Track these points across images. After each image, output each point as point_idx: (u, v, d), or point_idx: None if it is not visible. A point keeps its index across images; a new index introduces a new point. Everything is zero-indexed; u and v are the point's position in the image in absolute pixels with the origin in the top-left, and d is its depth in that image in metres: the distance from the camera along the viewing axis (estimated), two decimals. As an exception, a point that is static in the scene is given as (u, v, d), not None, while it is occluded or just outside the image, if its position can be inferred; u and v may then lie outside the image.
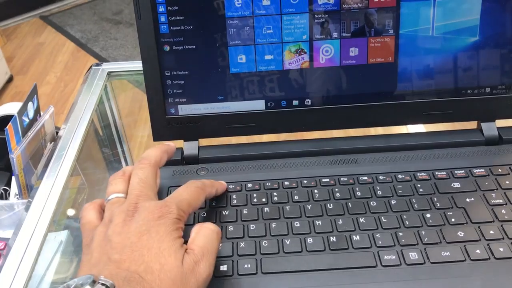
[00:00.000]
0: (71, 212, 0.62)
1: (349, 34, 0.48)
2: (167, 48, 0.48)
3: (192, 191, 0.41)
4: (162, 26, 0.48)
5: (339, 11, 0.47)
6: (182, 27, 0.48)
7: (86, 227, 0.39)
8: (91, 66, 0.70)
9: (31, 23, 2.70)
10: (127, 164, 0.79)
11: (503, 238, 0.41)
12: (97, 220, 0.39)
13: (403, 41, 0.48)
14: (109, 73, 0.69)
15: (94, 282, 0.31)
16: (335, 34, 0.48)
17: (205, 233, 0.38)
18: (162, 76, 0.49)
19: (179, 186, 0.48)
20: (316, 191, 0.47)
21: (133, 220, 0.36)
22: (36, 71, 2.28)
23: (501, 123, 0.52)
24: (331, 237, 0.42)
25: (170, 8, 0.47)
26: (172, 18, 0.47)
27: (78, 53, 2.44)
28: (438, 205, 0.44)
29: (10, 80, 2.16)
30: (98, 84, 0.66)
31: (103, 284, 0.31)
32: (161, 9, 0.47)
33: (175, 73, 0.49)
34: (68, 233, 0.59)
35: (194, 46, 0.48)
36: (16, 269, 0.44)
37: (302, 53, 0.49)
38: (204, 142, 0.53)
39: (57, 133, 0.67)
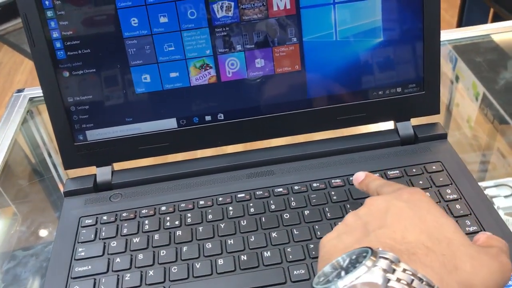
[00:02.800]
0: (1, 246, 0.60)
1: (253, 46, 0.47)
2: (66, 74, 0.47)
3: None
4: (58, 52, 0.46)
5: (239, 23, 0.46)
6: (80, 51, 0.46)
7: None
8: (13, 94, 0.68)
9: (-14, 44, 2.63)
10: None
11: (413, 241, 0.41)
12: None
13: (308, 48, 0.48)
14: (31, 99, 0.67)
15: None
16: (238, 47, 0.47)
17: None
18: (64, 102, 0.47)
19: (91, 216, 0.47)
20: (230, 208, 0.46)
21: None
22: (-7, 92, 2.23)
23: (417, 121, 0.52)
24: (242, 256, 0.41)
25: (65, 33, 0.45)
26: (68, 43, 0.46)
27: (36, 71, 2.39)
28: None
29: (-35, 104, 2.09)
30: (18, 112, 0.64)
31: None
32: (55, 34, 0.46)
33: (78, 98, 0.48)
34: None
35: (94, 70, 0.47)
36: None
37: (208, 68, 0.48)
38: (120, 165, 0.52)
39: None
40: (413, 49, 0.49)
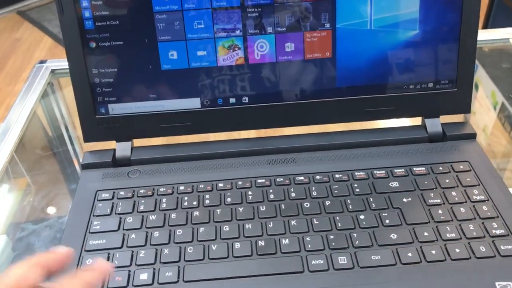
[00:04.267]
0: (14, 216, 0.60)
1: (284, 29, 0.46)
2: (93, 44, 0.46)
3: None
4: (86, 22, 0.45)
5: (272, 4, 0.45)
6: (108, 23, 0.45)
7: None
8: (35, 64, 0.68)
9: (8, 18, 2.65)
10: (79, 163, 0.77)
11: (436, 240, 0.40)
12: None
13: (341, 36, 0.46)
14: (53, 71, 0.66)
15: None
16: (269, 29, 0.46)
17: None
18: (89, 74, 0.47)
19: (108, 190, 0.46)
20: (250, 192, 0.45)
21: None
22: (12, 67, 2.23)
23: (446, 119, 0.51)
24: (259, 242, 0.40)
25: (94, 3, 0.45)
26: (97, 13, 0.45)
27: (55, 49, 2.39)
28: (374, 205, 0.43)
29: (-17, 77, 2.11)
30: (40, 83, 0.64)
31: None
32: (85, 3, 0.45)
33: (103, 70, 0.47)
34: (7, 238, 0.57)
35: (122, 42, 0.46)
36: None
37: (236, 48, 0.47)
38: (139, 142, 0.51)
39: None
40: (448, 44, 0.47)
